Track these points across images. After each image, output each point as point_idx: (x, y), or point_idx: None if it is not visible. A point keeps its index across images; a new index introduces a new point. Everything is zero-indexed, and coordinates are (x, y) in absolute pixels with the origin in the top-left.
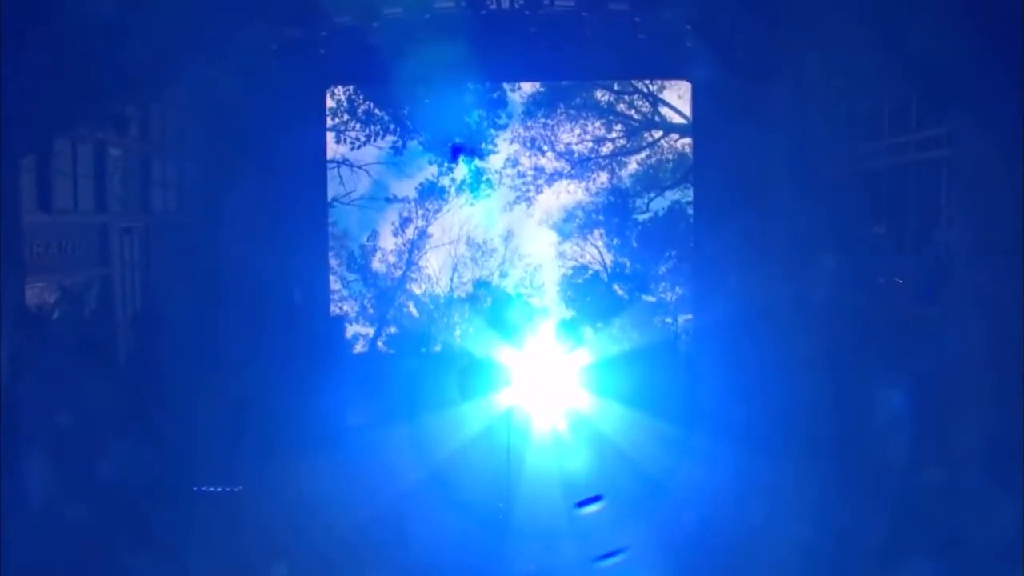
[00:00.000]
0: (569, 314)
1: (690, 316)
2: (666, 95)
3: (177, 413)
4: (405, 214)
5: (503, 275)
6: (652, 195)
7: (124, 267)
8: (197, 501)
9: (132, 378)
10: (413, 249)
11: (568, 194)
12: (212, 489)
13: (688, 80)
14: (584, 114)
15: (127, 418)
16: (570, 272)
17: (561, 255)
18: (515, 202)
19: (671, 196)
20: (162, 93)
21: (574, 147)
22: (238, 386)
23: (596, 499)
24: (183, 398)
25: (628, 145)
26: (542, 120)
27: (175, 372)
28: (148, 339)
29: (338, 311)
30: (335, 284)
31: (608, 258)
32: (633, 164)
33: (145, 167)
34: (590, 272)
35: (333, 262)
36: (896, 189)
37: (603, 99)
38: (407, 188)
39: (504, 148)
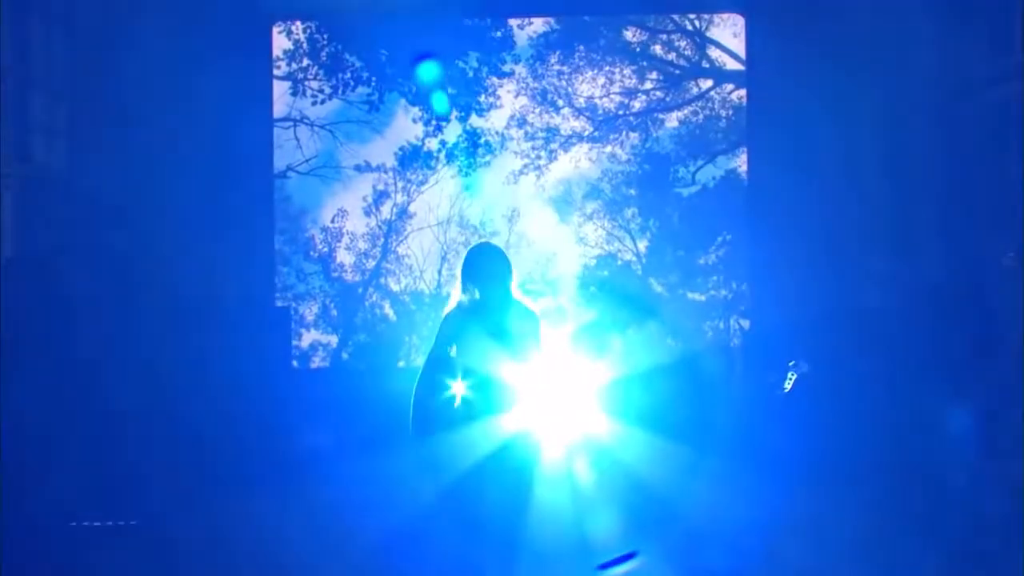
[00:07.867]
0: (592, 316)
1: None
2: (715, 33)
3: (56, 429)
4: (381, 187)
5: None
6: (699, 162)
7: None
8: (79, 538)
9: None
10: (390, 232)
11: (590, 162)
12: (97, 524)
13: (742, 13)
14: (610, 59)
15: None
16: (593, 262)
17: (582, 240)
18: (522, 172)
19: (724, 164)
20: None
21: (597, 101)
22: (140, 398)
23: (629, 557)
24: (64, 409)
25: (667, 99)
26: (556, 67)
27: (52, 374)
28: (16, 328)
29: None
30: (289, 278)
31: (642, 244)
32: (674, 122)
33: (23, 101)
34: (619, 262)
35: (286, 249)
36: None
37: (634, 39)
38: (384, 154)
39: (508, 102)
